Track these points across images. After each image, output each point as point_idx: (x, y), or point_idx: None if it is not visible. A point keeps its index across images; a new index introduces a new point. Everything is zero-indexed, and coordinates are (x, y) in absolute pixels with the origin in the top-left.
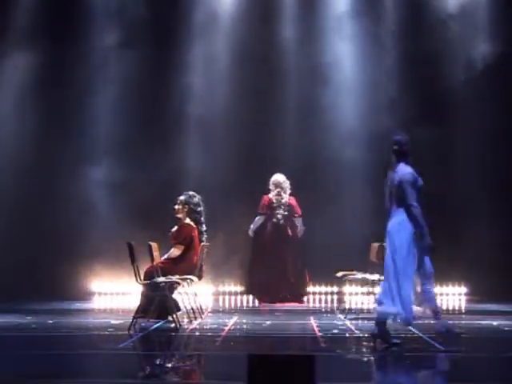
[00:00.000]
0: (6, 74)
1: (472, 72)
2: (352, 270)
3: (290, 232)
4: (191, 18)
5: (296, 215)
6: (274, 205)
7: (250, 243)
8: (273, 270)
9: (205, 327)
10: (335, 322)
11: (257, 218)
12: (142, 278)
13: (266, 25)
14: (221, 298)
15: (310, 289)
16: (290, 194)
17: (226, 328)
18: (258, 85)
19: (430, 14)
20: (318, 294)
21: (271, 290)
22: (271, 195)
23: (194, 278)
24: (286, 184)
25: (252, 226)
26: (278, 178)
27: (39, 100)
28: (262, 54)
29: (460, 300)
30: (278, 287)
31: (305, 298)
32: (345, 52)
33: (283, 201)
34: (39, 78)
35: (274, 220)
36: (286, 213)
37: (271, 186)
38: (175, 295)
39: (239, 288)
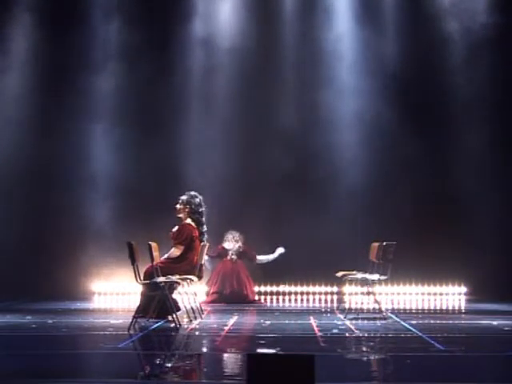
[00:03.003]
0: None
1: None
2: (352, 270)
3: (242, 270)
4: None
5: (252, 257)
6: (227, 249)
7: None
8: (227, 279)
9: (205, 327)
10: (335, 321)
11: (206, 262)
12: (142, 277)
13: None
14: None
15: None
16: (243, 244)
17: (226, 328)
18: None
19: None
20: (317, 294)
21: (227, 295)
22: (225, 244)
23: (194, 278)
24: (238, 237)
25: (209, 267)
26: (230, 233)
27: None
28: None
29: (460, 300)
30: (232, 292)
31: (256, 297)
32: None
33: (235, 247)
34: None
35: (229, 258)
36: (235, 256)
37: (225, 237)
38: (175, 295)
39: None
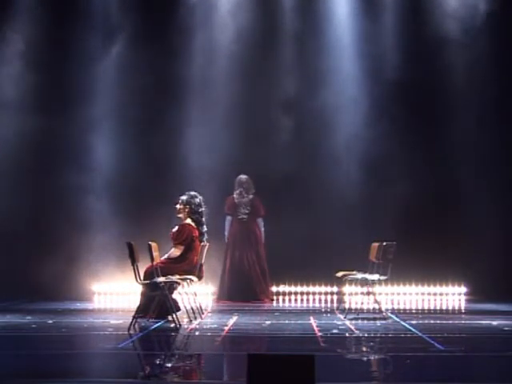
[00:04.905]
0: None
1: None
2: (352, 270)
3: (255, 230)
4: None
5: (259, 213)
6: (237, 203)
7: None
8: (241, 273)
9: (205, 327)
10: (335, 321)
11: (226, 222)
12: (142, 277)
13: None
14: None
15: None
16: (255, 194)
17: (226, 328)
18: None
19: None
20: (317, 294)
21: (240, 292)
22: (234, 195)
23: (194, 278)
24: (248, 184)
25: (226, 233)
26: (241, 177)
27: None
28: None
29: (460, 300)
30: (246, 288)
31: (273, 297)
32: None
33: (244, 199)
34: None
35: (239, 217)
36: (247, 211)
37: (235, 186)
38: (175, 295)
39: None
